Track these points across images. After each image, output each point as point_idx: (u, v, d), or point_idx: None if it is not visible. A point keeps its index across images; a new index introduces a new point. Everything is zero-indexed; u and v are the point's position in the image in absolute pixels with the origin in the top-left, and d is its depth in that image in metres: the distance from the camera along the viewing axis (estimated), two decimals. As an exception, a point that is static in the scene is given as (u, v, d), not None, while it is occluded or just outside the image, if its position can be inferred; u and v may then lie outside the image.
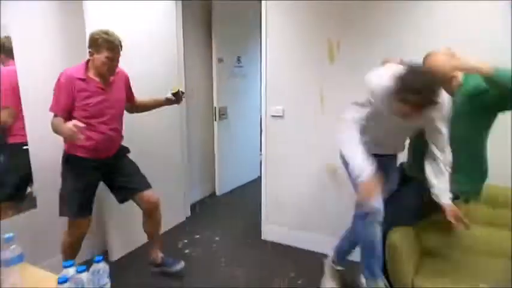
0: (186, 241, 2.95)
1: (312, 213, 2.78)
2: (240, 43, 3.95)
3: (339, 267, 2.22)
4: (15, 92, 2.14)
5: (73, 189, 2.08)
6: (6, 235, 1.20)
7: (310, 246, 2.78)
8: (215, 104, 3.79)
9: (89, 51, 2.06)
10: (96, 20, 2.30)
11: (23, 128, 2.20)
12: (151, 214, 2.33)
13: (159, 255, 2.45)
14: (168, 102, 2.48)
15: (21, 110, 2.17)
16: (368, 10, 2.38)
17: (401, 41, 2.31)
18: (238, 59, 3.99)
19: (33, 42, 2.23)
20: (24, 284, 1.22)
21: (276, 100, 2.78)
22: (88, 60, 2.09)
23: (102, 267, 1.16)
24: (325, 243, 2.44)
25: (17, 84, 2.14)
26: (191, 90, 3.49)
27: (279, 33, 2.70)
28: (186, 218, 3.37)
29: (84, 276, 1.11)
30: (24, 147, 2.22)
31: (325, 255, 2.33)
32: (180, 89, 2.46)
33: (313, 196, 2.75)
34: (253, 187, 3.75)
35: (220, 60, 3.73)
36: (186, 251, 2.81)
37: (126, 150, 2.33)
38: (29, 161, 2.24)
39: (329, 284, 2.20)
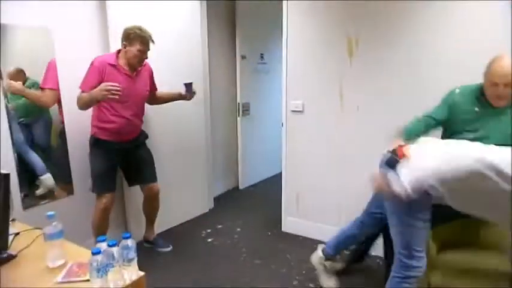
0: (209, 230, 3.10)
1: (330, 207, 2.84)
2: (263, 40, 4.04)
3: (331, 262, 2.27)
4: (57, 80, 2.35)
5: (99, 168, 2.35)
6: (49, 213, 1.37)
7: (327, 238, 2.83)
8: (238, 100, 3.91)
9: (123, 44, 2.29)
10: (120, 18, 2.47)
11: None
12: (151, 201, 2.68)
13: (152, 235, 2.80)
14: (180, 96, 2.66)
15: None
16: (387, 9, 2.40)
17: (419, 40, 2.33)
18: (262, 56, 4.09)
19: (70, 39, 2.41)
20: (65, 256, 1.38)
21: (296, 95, 2.86)
22: (119, 50, 2.32)
23: (130, 242, 1.30)
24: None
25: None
26: (215, 87, 3.64)
27: (299, 31, 2.77)
28: (210, 209, 3.52)
29: (115, 250, 1.25)
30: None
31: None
32: (191, 82, 2.61)
33: (332, 190, 2.81)
34: (276, 181, 3.81)
35: (243, 57, 3.85)
36: (209, 239, 2.96)
37: (145, 136, 2.58)
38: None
39: (327, 283, 2.25)
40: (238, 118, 3.96)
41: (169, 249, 2.77)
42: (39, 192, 2.35)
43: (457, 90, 1.86)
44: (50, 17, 2.29)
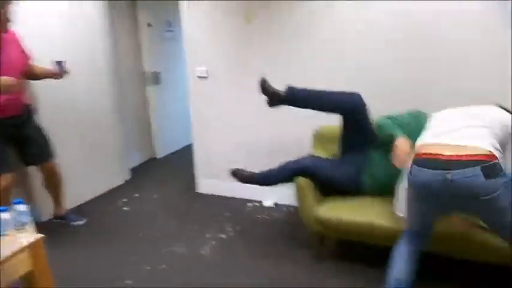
0: (125, 200, 3.16)
1: (239, 164, 3.06)
2: (170, 8, 3.95)
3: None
4: None
5: None
6: None
7: (239, 194, 3.10)
8: (146, 69, 3.87)
9: None
10: None
11: None
12: (50, 179, 2.64)
13: (61, 210, 2.78)
14: (52, 74, 2.45)
15: None
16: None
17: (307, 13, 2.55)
18: (169, 24, 4.04)
19: None
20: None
21: (200, 61, 2.96)
22: None
23: (23, 208, 1.35)
24: (253, 189, 2.71)
25: None
26: (122, 57, 3.56)
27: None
28: (126, 180, 3.55)
29: (6, 215, 1.29)
30: None
31: (252, 201, 2.65)
32: (63, 61, 2.44)
33: (239, 150, 3.04)
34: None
35: (149, 25, 3.78)
36: (125, 208, 3.03)
37: (30, 111, 2.47)
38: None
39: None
40: (148, 87, 3.93)
41: (82, 222, 2.78)
42: None
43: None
44: None
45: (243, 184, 2.42)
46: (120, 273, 2.17)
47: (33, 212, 2.42)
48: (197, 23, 2.89)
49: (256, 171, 2.35)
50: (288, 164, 2.20)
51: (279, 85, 2.48)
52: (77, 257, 2.37)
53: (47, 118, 2.68)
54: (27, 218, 1.36)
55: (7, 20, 2.16)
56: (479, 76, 2.24)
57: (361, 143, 2.15)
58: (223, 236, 2.57)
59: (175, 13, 3.98)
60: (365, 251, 2.21)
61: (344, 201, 2.13)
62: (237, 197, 3.10)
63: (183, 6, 2.89)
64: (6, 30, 2.21)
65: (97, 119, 3.20)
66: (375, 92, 2.32)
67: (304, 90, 2.17)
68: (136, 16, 3.75)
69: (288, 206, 2.89)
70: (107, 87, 3.27)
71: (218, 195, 3.16)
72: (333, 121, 2.26)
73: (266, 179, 2.30)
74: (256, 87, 2.79)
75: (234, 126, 3.01)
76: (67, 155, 2.86)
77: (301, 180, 2.12)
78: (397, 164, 1.79)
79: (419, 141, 1.64)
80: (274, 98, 2.19)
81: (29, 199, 2.73)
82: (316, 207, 2.09)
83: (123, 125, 3.56)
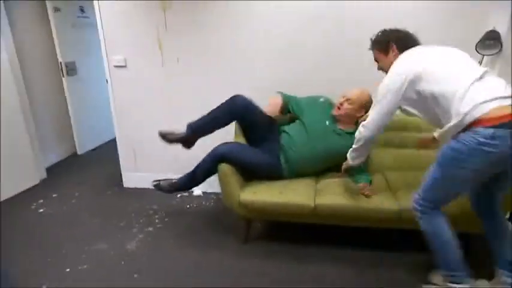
0: (41, 201, 2.93)
1: (166, 156, 3.02)
2: None
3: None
4: None
5: None
6: None
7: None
8: (60, 59, 3.59)
9: None
10: None
11: None
12: None
13: None
14: None
15: None
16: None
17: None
18: (81, 9, 3.78)
19: None
20: None
21: (117, 50, 2.82)
22: None
23: None
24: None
25: None
26: (27, 45, 3.24)
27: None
28: (41, 180, 3.29)
29: None
30: None
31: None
32: None
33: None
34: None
35: (56, 9, 3.49)
36: (41, 210, 2.81)
37: None
38: None
39: None
40: (63, 78, 3.65)
41: None
42: None
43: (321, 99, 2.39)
44: None
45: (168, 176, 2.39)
46: (37, 278, 2.02)
47: None
48: (111, 9, 2.73)
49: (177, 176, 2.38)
50: (207, 155, 2.23)
51: (199, 73, 2.47)
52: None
53: None
54: None
55: None
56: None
57: (267, 132, 2.29)
58: (151, 229, 2.52)
59: None
60: (292, 231, 2.34)
61: (266, 184, 2.21)
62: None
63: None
64: None
65: (3, 118, 2.89)
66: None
67: (199, 120, 2.23)
68: (44, 1, 3.42)
69: (216, 194, 2.92)
70: (10, 80, 2.96)
71: (145, 188, 3.07)
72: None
73: (192, 179, 2.31)
74: (176, 73, 2.77)
75: (158, 115, 2.94)
76: None
77: (224, 166, 2.15)
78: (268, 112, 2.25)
79: (473, 101, 1.41)
80: (181, 142, 2.25)
81: None
82: (240, 192, 2.15)
83: (35, 121, 3.28)
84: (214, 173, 2.23)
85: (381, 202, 1.99)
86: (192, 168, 2.34)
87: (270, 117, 2.32)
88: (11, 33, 3.01)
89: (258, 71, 2.68)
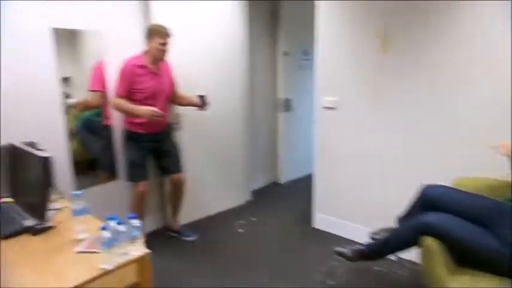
0: (242, 222, 3.23)
1: (361, 206, 2.78)
2: (308, 36, 3.95)
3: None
4: (104, 80, 2.64)
5: (132, 158, 2.62)
6: (74, 192, 1.61)
7: (359, 237, 2.78)
8: (279, 96, 3.97)
9: (147, 41, 2.52)
10: (162, 17, 2.67)
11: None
12: (175, 191, 2.87)
13: (177, 224, 2.97)
14: (196, 105, 2.79)
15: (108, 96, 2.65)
16: (422, 7, 2.28)
17: (457, 39, 2.17)
18: (305, 52, 4.08)
19: (117, 40, 2.67)
20: (88, 231, 1.60)
21: (329, 91, 2.84)
22: (144, 51, 2.55)
23: (136, 222, 1.47)
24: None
25: (104, 73, 2.63)
26: (257, 83, 3.75)
27: (331, 26, 2.74)
28: (246, 201, 3.65)
29: (121, 227, 1.43)
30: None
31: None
32: (205, 95, 2.75)
33: (364, 189, 2.75)
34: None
35: (286, 53, 3.88)
36: (240, 230, 3.09)
37: (171, 128, 2.83)
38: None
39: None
40: (279, 114, 4.01)
41: (193, 238, 2.91)
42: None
43: None
44: (102, 21, 2.57)
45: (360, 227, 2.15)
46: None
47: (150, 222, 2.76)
48: (329, 51, 2.79)
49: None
50: (407, 223, 1.85)
51: (422, 126, 2.15)
52: (182, 271, 2.48)
53: (183, 134, 2.98)
54: (138, 233, 1.48)
55: (165, 51, 2.53)
56: None
57: (491, 215, 1.72)
58: (332, 282, 2.32)
59: (313, 42, 4.06)
60: None
61: (487, 279, 1.62)
62: (356, 240, 2.79)
63: (318, 33, 2.83)
64: (163, 61, 2.58)
65: (229, 139, 3.39)
66: None
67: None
68: (275, 44, 3.89)
69: (412, 263, 2.44)
70: (241, 111, 3.47)
71: (334, 235, 2.92)
72: (473, 171, 1.88)
73: (383, 249, 1.98)
74: (389, 125, 2.52)
75: (361, 164, 2.75)
76: (196, 170, 3.10)
77: (430, 241, 1.72)
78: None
79: None
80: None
81: (159, 206, 3.08)
82: (449, 278, 1.66)
83: (252, 148, 3.71)
84: (413, 246, 1.83)
85: None
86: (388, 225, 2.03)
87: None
88: (250, 72, 3.53)
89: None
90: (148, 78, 2.51)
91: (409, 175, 2.44)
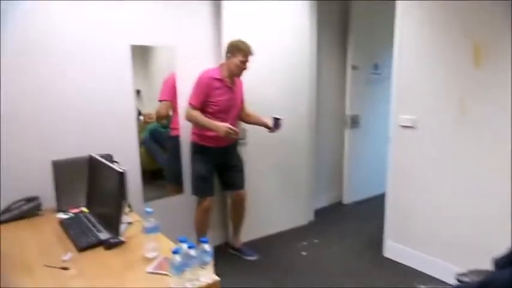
0: (304, 243, 3.06)
1: (439, 237, 2.47)
2: (378, 49, 3.80)
3: None
4: (174, 91, 2.67)
5: (200, 172, 2.57)
6: (147, 209, 1.58)
7: (437, 272, 2.48)
8: (347, 112, 3.78)
9: (227, 56, 2.49)
10: (231, 32, 2.66)
11: (178, 121, 2.71)
12: (236, 208, 2.80)
13: (238, 242, 2.89)
14: (265, 126, 2.70)
15: (177, 106, 2.68)
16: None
17: None
18: (375, 66, 3.86)
19: (188, 54, 2.70)
20: (158, 249, 1.56)
21: (407, 109, 2.59)
22: (221, 64, 2.53)
23: (207, 247, 1.39)
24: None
25: (175, 85, 2.66)
26: (323, 98, 3.60)
27: (413, 37, 2.51)
28: (309, 222, 3.48)
29: (193, 251, 1.36)
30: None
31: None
32: (281, 119, 2.64)
33: (444, 218, 2.45)
34: (383, 200, 3.55)
35: (354, 67, 3.70)
36: (303, 253, 2.92)
37: (237, 141, 2.76)
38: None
39: None
40: (346, 130, 3.82)
41: (254, 258, 2.81)
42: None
43: None
44: (175, 37, 2.62)
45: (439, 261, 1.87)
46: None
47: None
48: (409, 62, 2.55)
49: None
50: (507, 271, 1.54)
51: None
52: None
53: (247, 149, 2.91)
54: (209, 259, 1.40)
55: (245, 69, 2.52)
56: None
57: None
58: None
59: (384, 55, 3.83)
60: None
61: None
62: (434, 275, 2.49)
63: (396, 40, 2.61)
64: (239, 77, 2.58)
65: (293, 155, 3.28)
66: None
67: None
68: (344, 57, 3.74)
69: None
70: (306, 126, 3.34)
71: (408, 267, 2.63)
72: None
73: None
74: (478, 148, 2.23)
75: (442, 190, 2.46)
76: (258, 187, 3.02)
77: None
78: None
79: None
80: None
81: (221, 222, 3.02)
82: None
83: (316, 165, 3.54)
84: None
85: None
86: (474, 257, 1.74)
87: None
88: (315, 83, 3.40)
89: None
90: (223, 91, 2.49)
91: (504, 208, 2.11)
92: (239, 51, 2.44)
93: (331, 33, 3.63)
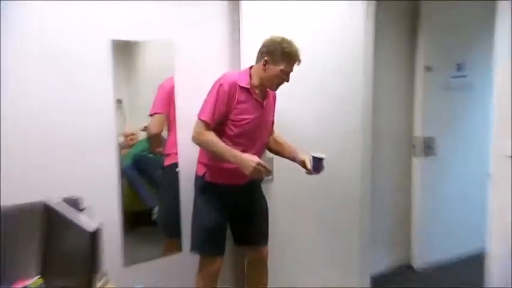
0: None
1: None
2: (461, 45, 3.83)
3: None
4: (170, 101, 2.59)
5: (207, 221, 2.43)
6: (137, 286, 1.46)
7: None
8: (417, 133, 3.76)
9: (264, 60, 2.33)
10: (254, 22, 2.62)
11: (176, 144, 2.64)
12: (257, 271, 2.69)
13: None
14: (299, 162, 2.55)
15: (174, 123, 2.61)
16: None
17: None
18: (458, 67, 3.86)
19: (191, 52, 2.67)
20: None
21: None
22: (251, 67, 2.42)
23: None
24: None
25: (172, 94, 2.59)
26: (381, 114, 3.54)
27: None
28: (362, 293, 3.38)
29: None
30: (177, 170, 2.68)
31: None
32: (323, 158, 2.48)
33: None
34: (476, 265, 3.29)
35: (428, 68, 3.70)
36: None
37: (262, 178, 2.60)
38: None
39: None
40: (415, 159, 3.78)
41: None
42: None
43: None
44: (172, 28, 2.59)
45: None
46: None
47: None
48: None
49: None
50: None
51: None
52: None
53: (272, 187, 2.82)
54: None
55: (285, 82, 2.40)
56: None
57: None
58: None
59: (472, 52, 3.86)
60: None
61: None
62: None
63: (497, 39, 2.54)
64: (275, 90, 2.48)
65: (337, 196, 3.19)
66: None
67: None
68: (412, 55, 3.75)
69: None
70: (357, 155, 3.25)
71: None
72: None
73: None
74: None
75: None
76: (287, 244, 2.94)
77: None
78: None
79: None
80: None
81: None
82: None
83: (372, 210, 3.43)
84: None
85: None
86: None
87: None
88: (371, 95, 3.32)
89: None
90: (250, 106, 2.35)
91: None
92: (284, 57, 2.30)
93: (396, 32, 3.69)
